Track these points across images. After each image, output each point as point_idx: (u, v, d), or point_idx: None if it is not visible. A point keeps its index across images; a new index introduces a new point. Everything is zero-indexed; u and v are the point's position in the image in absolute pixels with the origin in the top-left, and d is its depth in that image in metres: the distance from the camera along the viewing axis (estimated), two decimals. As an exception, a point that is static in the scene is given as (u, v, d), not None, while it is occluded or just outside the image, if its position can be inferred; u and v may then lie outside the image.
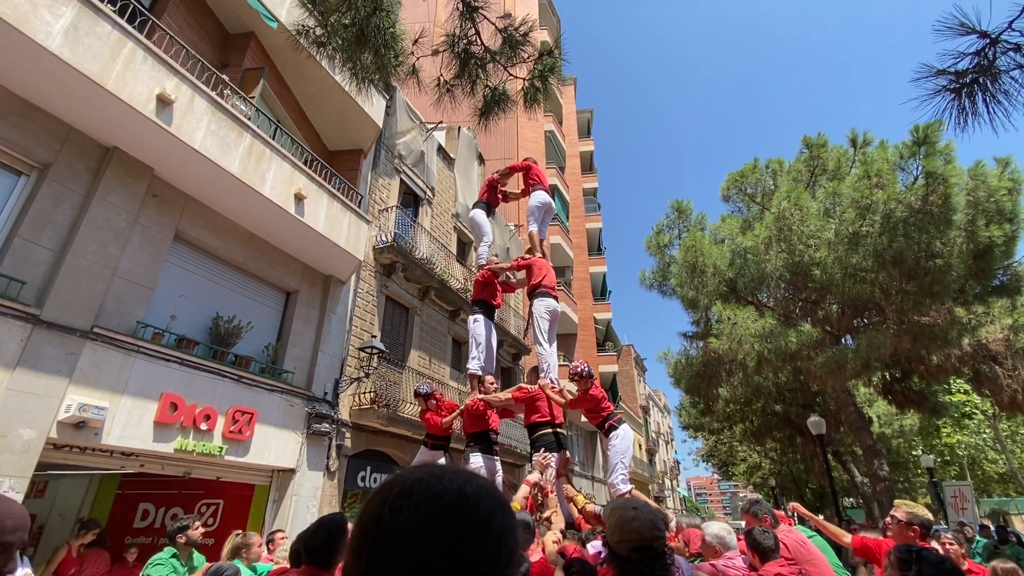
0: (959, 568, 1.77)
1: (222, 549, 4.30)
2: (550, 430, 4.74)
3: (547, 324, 5.37)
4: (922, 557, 1.69)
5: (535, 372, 5.20)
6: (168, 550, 4.29)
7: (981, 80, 2.12)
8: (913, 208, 9.33)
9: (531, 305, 5.57)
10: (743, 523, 3.87)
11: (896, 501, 3.66)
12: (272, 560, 4.46)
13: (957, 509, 14.97)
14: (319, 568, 2.11)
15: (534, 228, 6.09)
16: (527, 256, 5.91)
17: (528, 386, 5.05)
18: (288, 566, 2.50)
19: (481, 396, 5.24)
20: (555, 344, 5.45)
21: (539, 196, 6.17)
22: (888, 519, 3.53)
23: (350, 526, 2.76)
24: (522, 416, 6.99)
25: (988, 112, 2.15)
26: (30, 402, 4.95)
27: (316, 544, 2.14)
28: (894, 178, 9.88)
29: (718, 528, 3.11)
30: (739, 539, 3.32)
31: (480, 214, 6.55)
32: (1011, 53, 2.09)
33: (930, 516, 3.45)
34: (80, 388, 5.36)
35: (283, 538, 4.89)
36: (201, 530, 4.56)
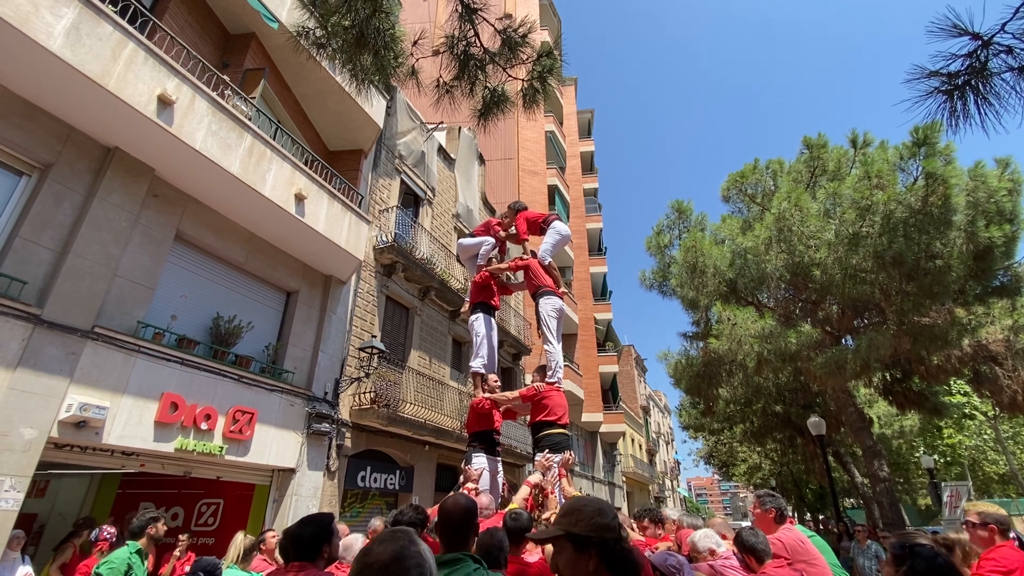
0: (952, 563, 1.79)
1: (227, 548, 4.23)
2: (555, 431, 4.72)
3: (555, 323, 5.37)
4: (915, 552, 1.71)
5: (542, 370, 5.19)
6: (132, 545, 4.21)
7: (973, 82, 2.13)
8: (913, 209, 9.33)
9: (537, 305, 5.55)
10: (742, 523, 3.95)
11: (966, 504, 3.59)
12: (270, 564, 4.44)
13: (951, 508, 15.00)
14: (307, 563, 2.13)
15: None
16: (524, 257, 5.90)
17: (536, 385, 5.03)
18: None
19: (487, 395, 5.23)
20: (561, 343, 5.45)
21: (560, 227, 5.97)
22: (964, 524, 3.43)
23: (338, 525, 2.79)
24: (523, 417, 6.98)
25: (980, 114, 2.16)
26: (31, 402, 4.97)
27: (303, 539, 2.16)
28: (894, 179, 9.88)
29: (703, 532, 3.19)
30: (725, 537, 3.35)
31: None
32: (1003, 55, 2.09)
33: (1004, 512, 3.28)
34: (81, 388, 5.37)
35: (274, 537, 4.91)
36: (163, 527, 4.59)
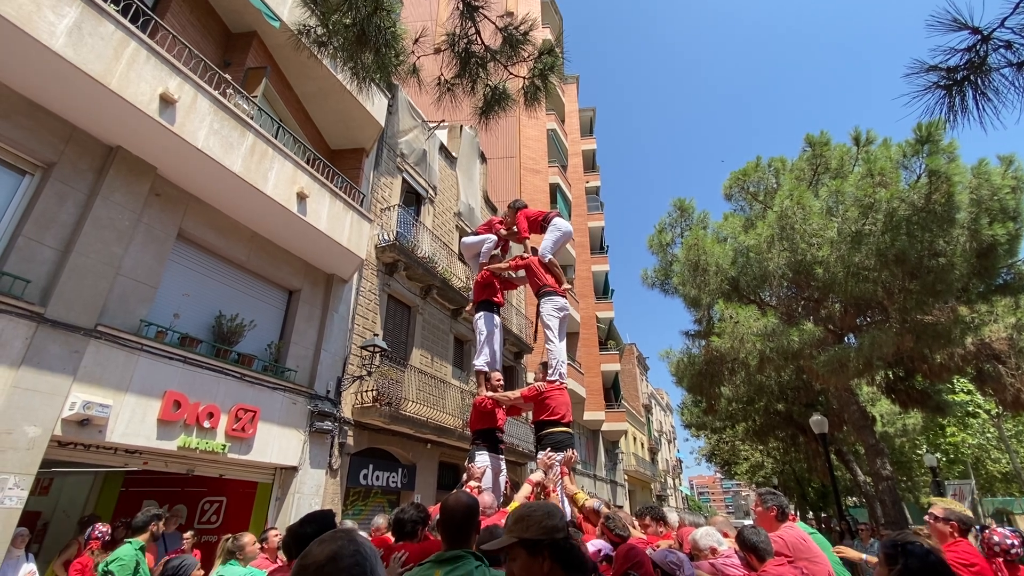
0: (944, 560, 1.78)
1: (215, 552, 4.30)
2: (558, 429, 4.72)
3: (556, 323, 5.34)
4: (908, 551, 1.70)
5: (544, 368, 5.19)
6: (136, 542, 4.26)
7: (972, 77, 2.11)
8: (916, 206, 9.30)
9: (538, 305, 5.53)
10: (745, 521, 3.95)
11: (934, 499, 3.77)
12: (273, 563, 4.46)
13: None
14: None
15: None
16: (525, 256, 5.89)
17: (538, 384, 5.03)
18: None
19: (489, 394, 5.23)
20: (564, 341, 5.43)
21: (560, 224, 5.88)
22: (927, 516, 3.59)
23: (339, 520, 2.80)
24: (526, 414, 6.94)
25: (978, 109, 2.15)
26: (35, 400, 4.99)
27: (306, 538, 2.17)
28: (897, 176, 9.84)
29: (705, 531, 3.18)
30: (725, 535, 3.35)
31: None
32: (1002, 50, 2.08)
33: (969, 513, 3.49)
34: (84, 386, 5.39)
35: (276, 536, 4.93)
36: (163, 526, 4.69)
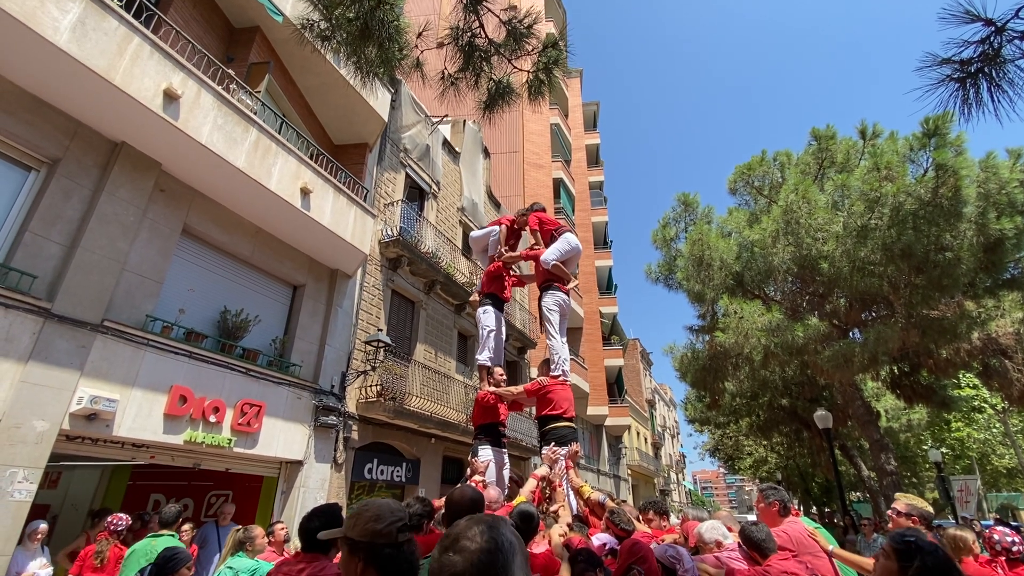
0: (951, 556, 1.74)
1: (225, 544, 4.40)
2: (561, 424, 4.73)
3: (556, 317, 5.35)
4: (922, 548, 1.63)
5: (546, 364, 5.20)
6: (175, 535, 4.43)
7: (986, 69, 2.09)
8: (923, 200, 9.24)
9: (540, 299, 5.54)
10: (748, 516, 3.96)
11: (897, 494, 3.79)
12: (280, 556, 4.51)
13: (962, 503, 14.94)
14: (319, 554, 2.18)
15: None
16: (536, 247, 5.87)
17: (540, 379, 5.04)
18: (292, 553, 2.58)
19: (491, 389, 5.24)
20: (565, 337, 5.43)
21: (571, 238, 5.77)
22: (890, 511, 3.65)
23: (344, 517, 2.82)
24: (528, 409, 6.95)
25: (993, 101, 2.12)
26: (43, 394, 5.03)
27: (313, 531, 2.21)
28: (904, 170, 9.78)
29: (710, 524, 3.19)
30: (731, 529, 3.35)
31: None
32: (1016, 42, 2.05)
33: (930, 509, 3.55)
34: (91, 380, 5.43)
35: (283, 529, 4.96)
36: None
